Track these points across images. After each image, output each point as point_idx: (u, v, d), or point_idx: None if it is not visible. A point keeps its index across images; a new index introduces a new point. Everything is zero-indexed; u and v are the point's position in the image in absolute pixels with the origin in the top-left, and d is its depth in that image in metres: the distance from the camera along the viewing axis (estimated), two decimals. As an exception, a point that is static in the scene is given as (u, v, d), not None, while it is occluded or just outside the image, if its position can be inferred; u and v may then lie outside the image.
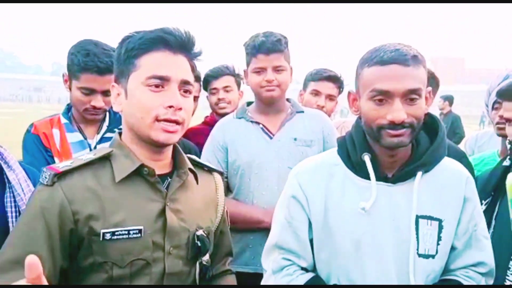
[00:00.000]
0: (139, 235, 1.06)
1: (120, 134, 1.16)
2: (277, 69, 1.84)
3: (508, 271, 1.42)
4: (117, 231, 1.04)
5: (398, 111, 1.10)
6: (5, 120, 20.31)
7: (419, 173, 1.19)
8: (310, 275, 1.25)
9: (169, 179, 1.14)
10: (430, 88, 1.21)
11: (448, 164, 1.27)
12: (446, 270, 1.23)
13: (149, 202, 1.09)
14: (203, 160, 1.91)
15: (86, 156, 1.10)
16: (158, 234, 1.09)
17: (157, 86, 1.05)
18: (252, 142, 1.88)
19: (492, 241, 1.28)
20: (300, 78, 2.99)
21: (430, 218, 1.19)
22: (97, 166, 1.08)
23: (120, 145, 1.12)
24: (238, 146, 1.89)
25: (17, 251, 0.98)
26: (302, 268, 1.26)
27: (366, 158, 1.20)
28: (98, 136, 1.80)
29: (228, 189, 1.96)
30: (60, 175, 1.03)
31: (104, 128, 1.82)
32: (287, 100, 1.99)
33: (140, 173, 1.09)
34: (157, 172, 1.11)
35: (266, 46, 1.81)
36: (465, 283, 1.20)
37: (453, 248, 1.23)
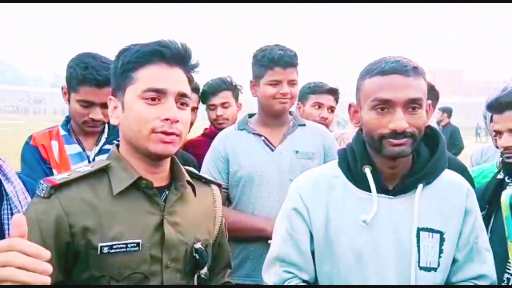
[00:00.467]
0: (137, 248, 1.04)
1: (118, 146, 1.15)
2: (291, 83, 1.89)
3: (502, 284, 1.42)
4: (115, 244, 1.02)
5: (399, 120, 1.11)
6: (5, 132, 20.32)
7: (420, 186, 1.20)
8: (313, 285, 1.24)
9: (167, 192, 1.13)
10: (430, 101, 1.22)
11: (449, 176, 1.27)
12: (447, 283, 1.23)
13: (146, 215, 1.08)
14: (204, 170, 1.92)
15: (83, 168, 1.09)
16: (156, 248, 1.08)
17: (153, 99, 1.05)
18: (254, 154, 1.89)
19: None
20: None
21: (432, 230, 1.19)
22: (95, 179, 1.08)
23: (117, 158, 1.11)
24: (240, 157, 1.89)
25: None
26: (304, 281, 1.25)
27: (367, 170, 1.20)
28: (97, 148, 1.80)
29: (228, 200, 1.96)
30: (57, 188, 1.03)
31: (103, 140, 1.82)
32: (289, 113, 2.01)
33: (138, 185, 1.08)
34: (155, 184, 1.10)
35: (284, 60, 1.85)
36: None
37: (454, 261, 1.22)
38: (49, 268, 0.78)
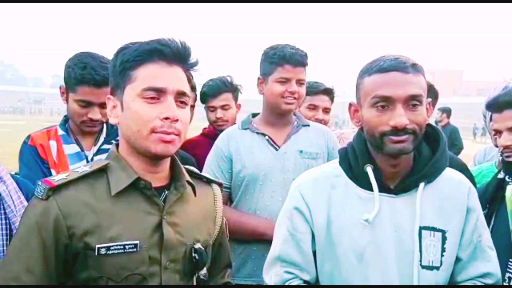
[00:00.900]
0: (135, 249, 1.04)
1: (117, 146, 1.15)
2: (300, 82, 1.88)
3: (504, 283, 1.41)
4: (113, 246, 1.02)
5: (400, 117, 1.11)
6: (5, 133, 20.32)
7: (422, 184, 1.19)
8: (313, 285, 1.24)
9: (166, 192, 1.13)
10: (430, 99, 1.21)
11: (450, 174, 1.27)
12: (452, 282, 1.22)
13: (145, 215, 1.07)
14: (206, 170, 1.92)
15: (82, 169, 1.08)
16: (155, 248, 1.07)
17: (153, 98, 1.04)
18: (258, 153, 1.88)
19: None
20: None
21: (433, 229, 1.19)
22: (93, 179, 1.07)
23: (116, 157, 1.11)
24: (244, 157, 1.88)
25: (13, 268, 0.98)
26: (305, 282, 1.24)
27: (369, 169, 1.20)
28: (95, 148, 1.79)
29: (230, 200, 1.95)
30: (55, 189, 1.02)
31: (101, 139, 1.81)
32: (293, 113, 2.01)
33: (136, 186, 1.07)
34: (155, 184, 1.10)
35: (295, 58, 1.84)
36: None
37: (458, 260, 1.22)
38: None
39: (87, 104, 1.68)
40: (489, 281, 1.22)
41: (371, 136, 1.18)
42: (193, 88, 2.38)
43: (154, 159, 1.09)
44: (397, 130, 1.12)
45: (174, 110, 1.05)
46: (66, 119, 1.84)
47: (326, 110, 2.53)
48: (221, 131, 2.18)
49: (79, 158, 1.75)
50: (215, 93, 2.35)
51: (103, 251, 1.01)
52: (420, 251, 1.16)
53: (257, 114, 2.04)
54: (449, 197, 1.22)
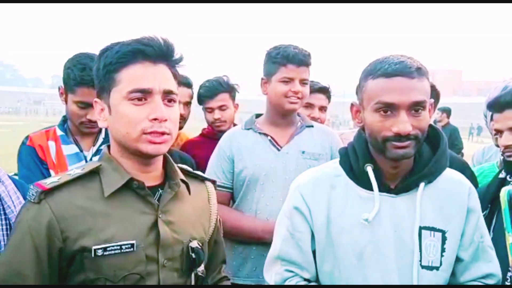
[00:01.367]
0: (132, 249, 1.03)
1: (109, 147, 1.14)
2: (303, 82, 1.88)
3: (506, 282, 1.41)
4: (109, 246, 1.01)
5: (403, 123, 1.10)
6: (4, 133, 20.31)
7: (422, 184, 1.19)
8: (313, 285, 1.24)
9: (160, 191, 1.12)
10: (432, 100, 1.21)
11: (450, 175, 1.27)
12: (455, 283, 1.22)
13: (140, 215, 1.07)
14: (208, 170, 1.92)
15: (74, 171, 1.07)
16: (152, 247, 1.07)
17: (139, 99, 1.03)
18: (259, 154, 1.88)
19: None
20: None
21: (433, 229, 1.18)
22: (86, 181, 1.06)
23: (109, 159, 1.10)
24: (245, 157, 1.88)
25: (5, 271, 0.98)
26: (305, 280, 1.25)
27: (369, 169, 1.20)
28: (94, 148, 1.78)
29: (232, 200, 1.95)
30: (47, 192, 1.01)
31: (100, 140, 1.80)
32: (297, 114, 2.00)
33: (130, 186, 1.06)
34: (148, 183, 1.09)
35: (298, 58, 1.84)
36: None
37: (460, 260, 1.22)
38: None
39: (86, 105, 1.67)
40: (490, 281, 1.21)
41: (373, 139, 1.17)
42: (187, 85, 2.37)
43: (146, 158, 1.08)
44: (400, 136, 1.11)
45: (162, 110, 1.03)
46: (64, 120, 1.84)
47: (323, 109, 2.50)
48: (220, 131, 2.18)
49: (78, 159, 1.74)
50: (211, 94, 2.34)
51: (99, 252, 1.00)
52: (420, 251, 1.16)
53: (261, 114, 2.03)
54: (449, 197, 1.22)
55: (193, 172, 1.27)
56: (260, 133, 1.92)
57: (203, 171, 1.94)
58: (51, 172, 1.71)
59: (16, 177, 1.46)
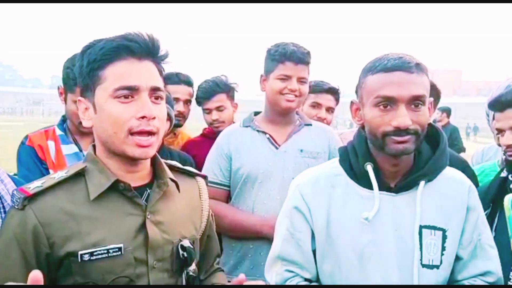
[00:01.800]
0: (119, 252, 1.01)
1: (94, 147, 1.11)
2: (301, 80, 1.86)
3: (508, 282, 1.41)
4: (96, 251, 0.99)
5: (403, 117, 1.10)
6: (4, 134, 20.30)
7: (422, 183, 1.19)
8: (313, 285, 1.24)
9: (149, 191, 1.10)
10: (432, 99, 1.21)
11: (450, 173, 1.26)
12: (453, 280, 1.22)
13: (128, 217, 1.05)
14: (206, 167, 1.91)
15: (58, 174, 1.05)
16: (140, 249, 1.04)
17: (126, 96, 1.00)
18: (257, 152, 1.87)
19: None
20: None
21: (434, 228, 1.18)
22: (71, 184, 1.04)
23: (94, 160, 1.07)
24: (243, 155, 1.87)
25: None
26: (306, 280, 1.24)
27: (369, 167, 1.19)
28: (94, 148, 1.78)
29: (230, 198, 1.94)
30: (31, 198, 0.99)
31: (100, 139, 1.80)
32: (296, 112, 1.99)
33: (116, 188, 1.04)
34: (136, 184, 1.07)
35: (296, 55, 1.83)
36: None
37: (458, 258, 1.22)
38: None
39: (86, 105, 1.66)
40: (489, 279, 1.21)
41: (373, 135, 1.17)
42: (189, 83, 2.36)
43: (133, 160, 1.06)
44: (399, 131, 1.11)
45: (150, 108, 1.01)
46: (64, 119, 1.83)
47: (330, 110, 2.49)
48: (221, 132, 2.17)
49: (77, 158, 1.74)
50: (208, 95, 2.33)
51: (86, 257, 0.98)
52: (421, 249, 1.16)
53: (259, 112, 2.02)
54: (450, 196, 1.22)
55: (183, 168, 1.24)
56: (258, 131, 1.91)
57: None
58: (51, 171, 1.71)
59: (16, 177, 1.45)
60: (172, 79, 2.33)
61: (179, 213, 1.15)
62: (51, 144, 1.76)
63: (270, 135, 1.90)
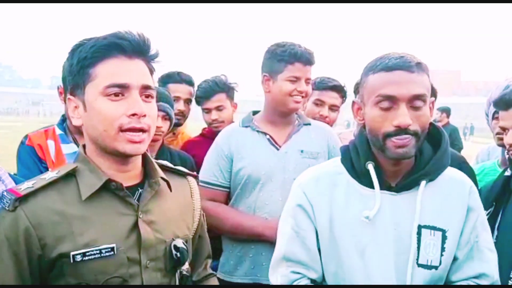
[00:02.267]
0: (112, 253, 1.01)
1: (84, 147, 1.10)
2: (307, 81, 1.87)
3: (509, 281, 1.40)
4: (88, 251, 0.99)
5: (403, 116, 1.11)
6: (3, 134, 20.28)
7: (423, 182, 1.19)
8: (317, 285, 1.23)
9: (140, 190, 1.09)
10: (433, 99, 1.20)
11: (451, 173, 1.26)
12: (447, 281, 1.22)
13: (120, 217, 1.04)
14: (205, 168, 1.90)
15: (49, 175, 1.04)
16: (133, 249, 1.04)
17: (116, 94, 1.00)
18: (259, 153, 1.86)
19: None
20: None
21: (433, 228, 1.18)
22: (62, 185, 1.03)
23: (85, 160, 1.07)
24: (244, 156, 1.86)
25: None
26: (312, 280, 1.24)
27: (370, 166, 1.20)
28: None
29: (229, 199, 1.93)
30: (22, 199, 0.98)
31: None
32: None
33: (108, 187, 1.04)
34: (127, 183, 1.07)
35: (306, 57, 1.83)
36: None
37: (454, 259, 1.21)
38: None
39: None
40: (484, 282, 1.20)
41: (374, 136, 1.17)
42: (190, 83, 2.37)
43: (124, 158, 1.06)
44: (400, 130, 1.11)
45: (141, 106, 1.01)
46: (63, 119, 1.83)
47: (333, 108, 2.43)
48: (220, 131, 2.16)
49: (77, 158, 1.74)
50: (208, 95, 2.32)
51: (78, 258, 0.98)
52: (418, 249, 1.16)
53: (258, 111, 2.01)
54: (450, 196, 1.21)
55: (174, 167, 1.24)
56: (258, 131, 1.90)
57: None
58: (51, 171, 1.71)
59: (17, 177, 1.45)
60: (173, 78, 2.34)
61: (172, 213, 1.14)
62: (51, 144, 1.76)
63: (270, 136, 1.89)
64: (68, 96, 1.07)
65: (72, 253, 0.98)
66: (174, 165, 1.26)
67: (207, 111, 2.35)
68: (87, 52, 1.01)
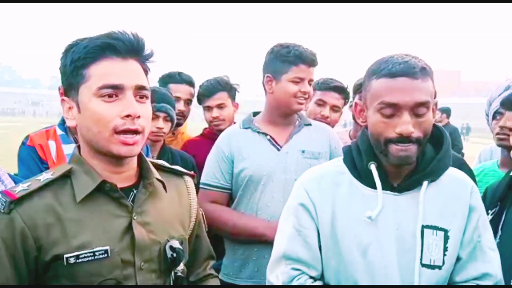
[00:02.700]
0: (106, 255, 1.00)
1: (79, 147, 1.10)
2: (310, 82, 1.87)
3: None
4: (82, 254, 0.98)
5: (406, 124, 1.10)
6: (3, 134, 20.27)
7: (425, 183, 1.19)
8: (319, 284, 1.23)
9: (135, 191, 1.09)
10: (436, 100, 1.20)
11: (453, 173, 1.26)
12: (451, 281, 1.22)
13: (114, 218, 1.04)
14: (206, 170, 1.90)
15: (44, 176, 1.04)
16: (127, 251, 1.04)
17: (110, 95, 0.99)
18: (260, 153, 1.85)
19: (498, 250, 1.25)
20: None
21: (436, 228, 1.18)
22: (57, 186, 1.03)
23: (79, 161, 1.06)
24: (245, 157, 1.86)
25: None
26: (311, 278, 1.23)
27: (372, 167, 1.20)
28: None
29: (231, 200, 1.93)
30: (17, 201, 0.98)
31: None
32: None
33: (102, 189, 1.03)
34: (122, 184, 1.06)
35: (310, 58, 1.84)
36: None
37: (457, 259, 1.21)
38: None
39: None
40: (488, 282, 1.20)
41: (376, 140, 1.17)
42: (191, 83, 2.38)
43: (118, 159, 1.05)
44: (402, 138, 1.11)
45: (135, 107, 1.00)
46: (64, 119, 1.82)
47: (335, 108, 2.43)
48: (220, 131, 2.16)
49: (78, 158, 1.74)
50: (209, 93, 2.33)
51: (72, 260, 0.97)
52: (422, 249, 1.16)
53: (258, 112, 2.01)
54: (452, 196, 1.21)
55: (170, 167, 1.23)
56: (259, 132, 1.90)
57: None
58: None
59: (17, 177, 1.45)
60: (174, 78, 2.35)
61: (167, 213, 1.14)
62: (52, 144, 1.75)
63: (271, 136, 1.89)
64: (62, 96, 1.07)
65: (65, 255, 0.97)
66: (174, 165, 1.26)
67: (208, 109, 2.36)
68: (80, 53, 1.00)
